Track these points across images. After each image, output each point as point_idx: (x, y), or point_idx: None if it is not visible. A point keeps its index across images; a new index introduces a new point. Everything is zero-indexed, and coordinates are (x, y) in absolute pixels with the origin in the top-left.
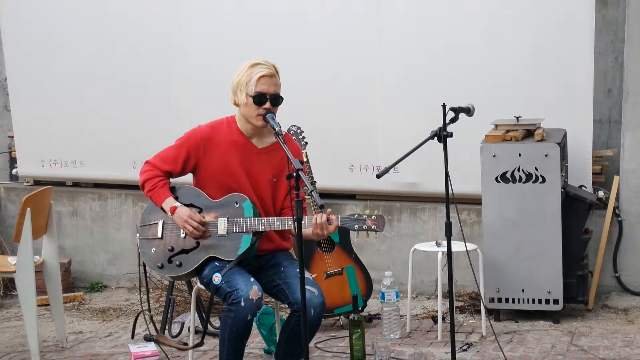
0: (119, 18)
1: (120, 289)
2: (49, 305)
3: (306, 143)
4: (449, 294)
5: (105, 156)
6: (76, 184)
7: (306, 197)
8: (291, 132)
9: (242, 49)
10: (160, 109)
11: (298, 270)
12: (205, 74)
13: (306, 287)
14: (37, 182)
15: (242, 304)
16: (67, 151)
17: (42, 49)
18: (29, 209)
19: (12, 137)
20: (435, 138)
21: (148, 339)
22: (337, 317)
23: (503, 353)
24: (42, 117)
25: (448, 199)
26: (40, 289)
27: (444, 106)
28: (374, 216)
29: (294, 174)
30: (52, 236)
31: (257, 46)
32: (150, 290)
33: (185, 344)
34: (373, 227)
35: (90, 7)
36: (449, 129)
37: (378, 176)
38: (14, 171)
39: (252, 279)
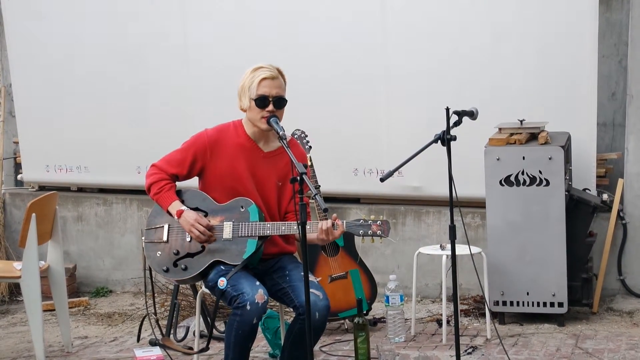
0: (123, 24)
1: (125, 294)
2: (54, 310)
3: (310, 147)
4: (453, 297)
5: (110, 161)
6: (81, 189)
7: (310, 201)
8: (295, 136)
9: (246, 55)
10: (164, 114)
11: (303, 273)
12: (209, 80)
13: (311, 290)
14: (42, 188)
15: (248, 307)
16: (71, 156)
17: (46, 55)
18: (34, 214)
19: (17, 142)
20: (439, 141)
21: (153, 343)
22: (342, 321)
23: (508, 356)
24: (46, 122)
25: (452, 203)
26: (46, 294)
27: (447, 110)
28: (379, 221)
29: (298, 178)
30: (57, 241)
31: (260, 52)
32: (155, 294)
33: (191, 348)
34: (378, 232)
35: (94, 14)
36: (453, 132)
37: (382, 179)
38: (18, 177)
39: (257, 283)
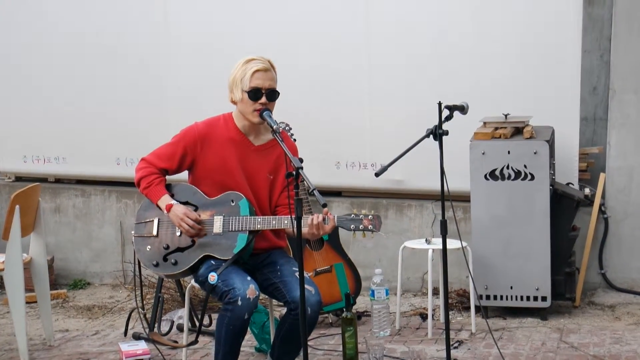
0: (102, 12)
1: (103, 286)
2: (34, 302)
3: (295, 140)
4: (443, 292)
5: (88, 152)
6: (59, 180)
7: (302, 195)
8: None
9: (229, 49)
10: (144, 106)
11: (294, 268)
12: (190, 72)
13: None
14: (19, 179)
15: (239, 303)
16: (49, 147)
17: (23, 44)
18: (17, 206)
19: None
20: (431, 136)
21: (137, 337)
22: (326, 315)
23: (499, 349)
24: (24, 112)
25: (443, 197)
26: (26, 287)
27: (439, 104)
28: (370, 216)
29: (294, 172)
30: (39, 234)
31: (241, 46)
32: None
33: (175, 341)
34: (370, 227)
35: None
36: (444, 127)
37: (377, 174)
38: None
39: (248, 278)
